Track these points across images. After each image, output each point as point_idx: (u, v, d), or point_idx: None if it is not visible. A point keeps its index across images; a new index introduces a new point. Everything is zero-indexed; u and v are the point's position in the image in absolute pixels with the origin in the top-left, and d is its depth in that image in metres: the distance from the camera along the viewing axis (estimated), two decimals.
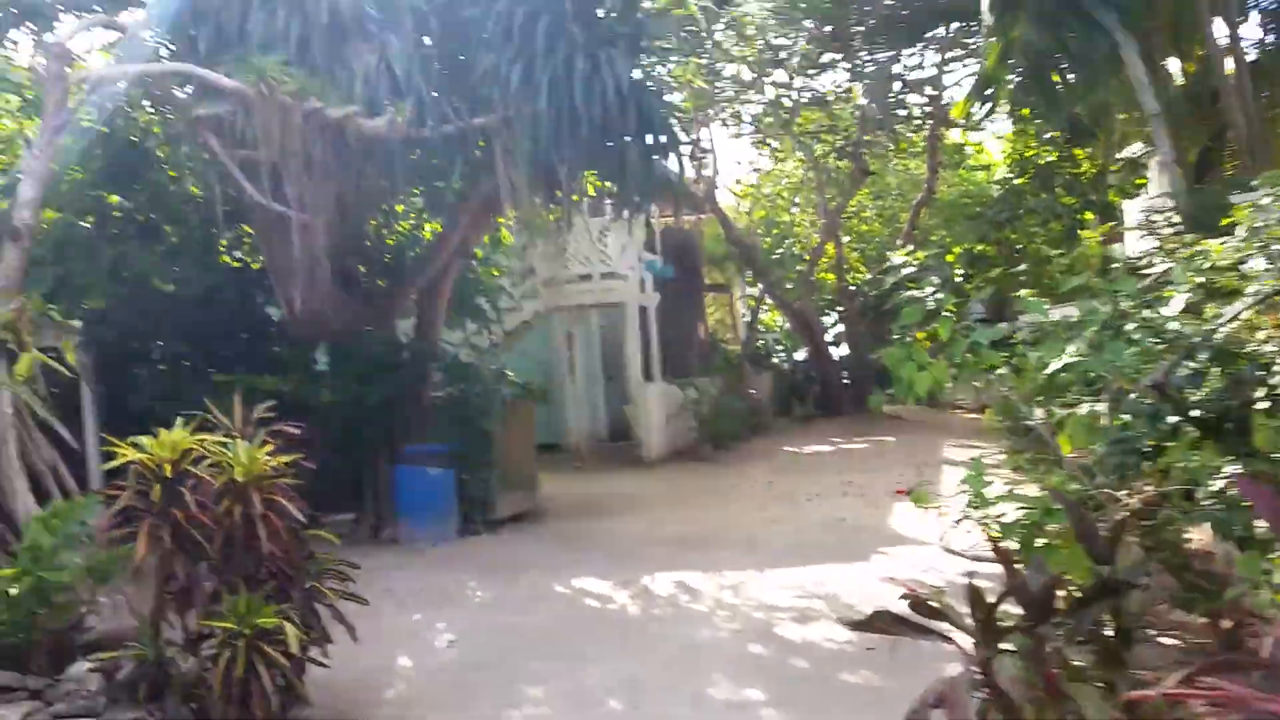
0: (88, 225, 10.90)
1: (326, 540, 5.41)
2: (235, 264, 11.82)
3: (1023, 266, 20.81)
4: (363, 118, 8.30)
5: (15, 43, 10.56)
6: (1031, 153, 20.87)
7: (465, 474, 10.53)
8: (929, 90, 20.67)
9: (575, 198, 10.26)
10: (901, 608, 3.11)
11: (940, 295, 4.60)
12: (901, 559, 8.37)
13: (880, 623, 3.02)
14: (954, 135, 23.09)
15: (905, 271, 4.84)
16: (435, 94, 8.71)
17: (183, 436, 4.63)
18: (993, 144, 26.10)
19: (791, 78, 19.77)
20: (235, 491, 4.63)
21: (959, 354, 4.59)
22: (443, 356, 11.41)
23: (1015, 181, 21.21)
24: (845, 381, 23.48)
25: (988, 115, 12.04)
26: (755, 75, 19.49)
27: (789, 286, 24.05)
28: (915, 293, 4.51)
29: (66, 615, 4.85)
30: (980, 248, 21.36)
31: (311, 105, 8.08)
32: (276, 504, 4.71)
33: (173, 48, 9.59)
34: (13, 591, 4.63)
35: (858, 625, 3.08)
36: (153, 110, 11.18)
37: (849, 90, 20.67)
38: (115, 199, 11.23)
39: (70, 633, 4.95)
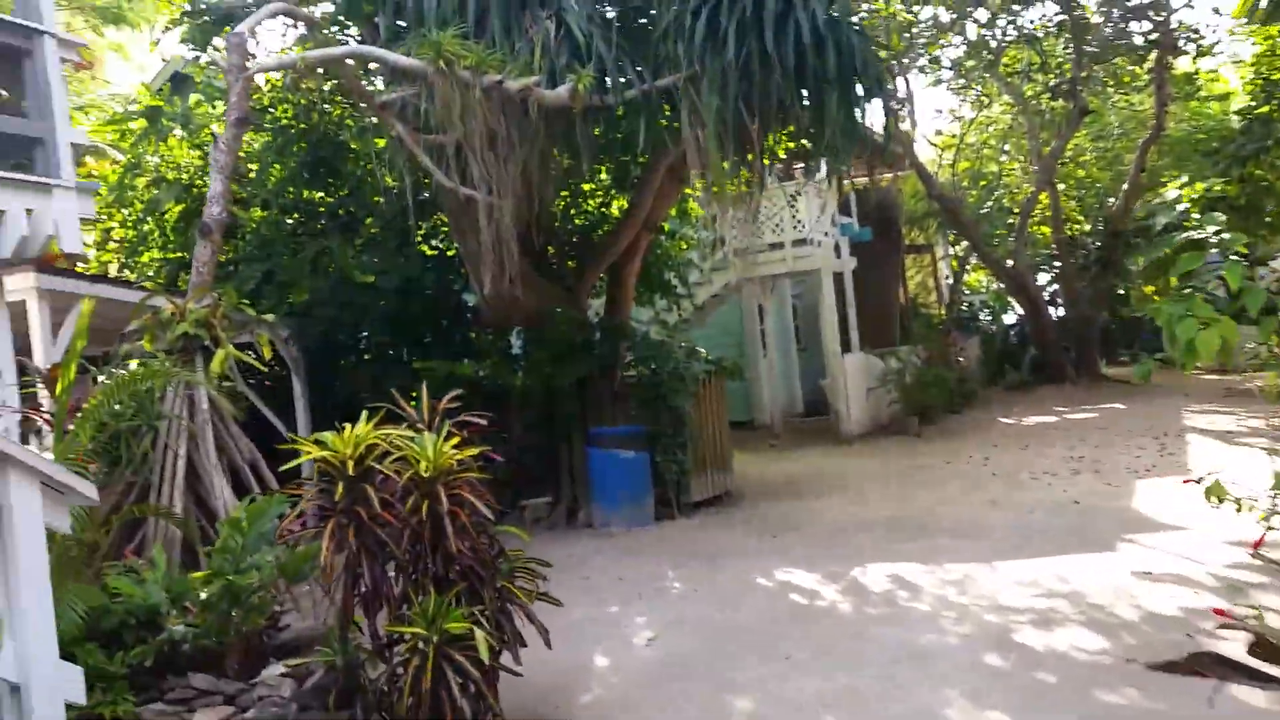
0: (290, 221, 11.30)
1: (517, 535, 5.12)
2: (431, 252, 11.98)
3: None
4: (543, 88, 8.00)
5: (219, 49, 10.95)
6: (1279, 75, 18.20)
7: (659, 456, 10.20)
8: (1154, 15, 18.45)
9: (766, 160, 9.61)
10: (1228, 646, 2.37)
11: (1226, 236, 3.69)
12: (1154, 549, 7.31)
13: (1199, 665, 2.29)
14: (1183, 64, 20.50)
15: (1179, 209, 3.94)
16: (616, 57, 8.27)
17: (366, 432, 4.40)
18: (1229, 71, 23.20)
19: (995, 15, 18.14)
20: (421, 488, 4.38)
21: (1255, 306, 3.67)
22: (633, 335, 11.10)
23: (1259, 110, 18.56)
24: (1064, 345, 21.55)
25: (1276, 11, 10.28)
26: (955, 16, 18.01)
27: (998, 243, 22.29)
28: (1194, 234, 3.64)
29: (260, 616, 4.79)
30: (1220, 187, 18.89)
31: (490, 79, 7.84)
32: (464, 499, 4.43)
33: (359, 37, 9.69)
34: (204, 595, 4.60)
35: (1168, 667, 2.37)
36: (346, 103, 11.44)
37: (1061, 23, 18.76)
38: (318, 195, 11.60)
39: (266, 631, 4.90)
